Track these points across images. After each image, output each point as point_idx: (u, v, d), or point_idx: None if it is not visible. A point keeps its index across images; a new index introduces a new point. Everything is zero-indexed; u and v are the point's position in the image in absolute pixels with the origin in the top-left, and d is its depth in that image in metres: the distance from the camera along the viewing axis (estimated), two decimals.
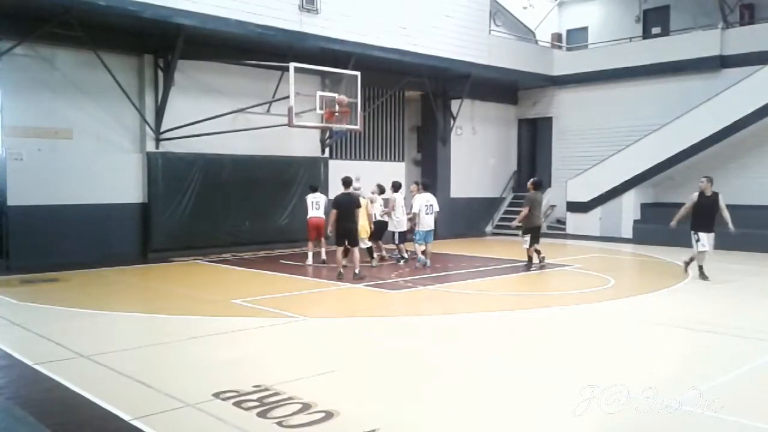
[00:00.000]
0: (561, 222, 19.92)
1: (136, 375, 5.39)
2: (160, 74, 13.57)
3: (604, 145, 19.24)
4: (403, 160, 18.90)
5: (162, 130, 13.58)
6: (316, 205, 12.77)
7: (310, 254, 12.83)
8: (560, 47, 22.24)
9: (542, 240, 12.81)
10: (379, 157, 18.21)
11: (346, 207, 10.87)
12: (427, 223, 12.36)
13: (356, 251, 11.02)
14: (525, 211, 12.15)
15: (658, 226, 17.04)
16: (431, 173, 19.43)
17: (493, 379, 5.47)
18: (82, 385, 5.04)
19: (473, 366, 5.86)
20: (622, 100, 19.42)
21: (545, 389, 5.15)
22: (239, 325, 7.50)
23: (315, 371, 5.54)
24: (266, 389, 4.88)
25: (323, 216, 12.65)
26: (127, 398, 4.80)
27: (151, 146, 13.58)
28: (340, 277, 10.72)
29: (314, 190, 13.15)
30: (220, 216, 14.34)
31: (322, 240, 12.84)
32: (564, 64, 20.74)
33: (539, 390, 5.14)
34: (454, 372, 5.67)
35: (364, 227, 11.95)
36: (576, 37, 22.63)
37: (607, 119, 19.70)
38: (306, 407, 4.48)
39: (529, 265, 12.22)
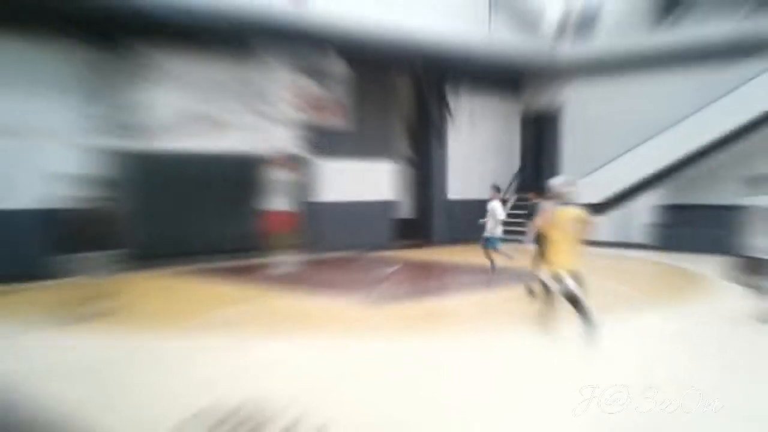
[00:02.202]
0: None
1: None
2: (122, 68, 11.96)
3: (620, 140, 17.50)
4: (393, 159, 17.30)
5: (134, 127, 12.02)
6: None
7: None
8: (569, 34, 20.43)
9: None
10: (368, 156, 16.57)
11: None
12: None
13: None
14: None
15: (679, 230, 15.61)
16: (425, 173, 18.03)
17: (494, 380, 5.42)
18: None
19: (474, 366, 5.78)
20: (639, 91, 17.67)
21: (545, 389, 5.11)
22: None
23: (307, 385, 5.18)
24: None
25: None
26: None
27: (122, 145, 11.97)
28: None
29: None
30: (191, 220, 12.77)
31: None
32: (574, 52, 18.99)
33: (539, 390, 5.10)
34: (452, 373, 5.54)
35: None
36: (587, 22, 20.78)
37: (625, 112, 17.88)
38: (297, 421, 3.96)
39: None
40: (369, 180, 15.99)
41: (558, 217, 6.63)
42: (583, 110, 18.95)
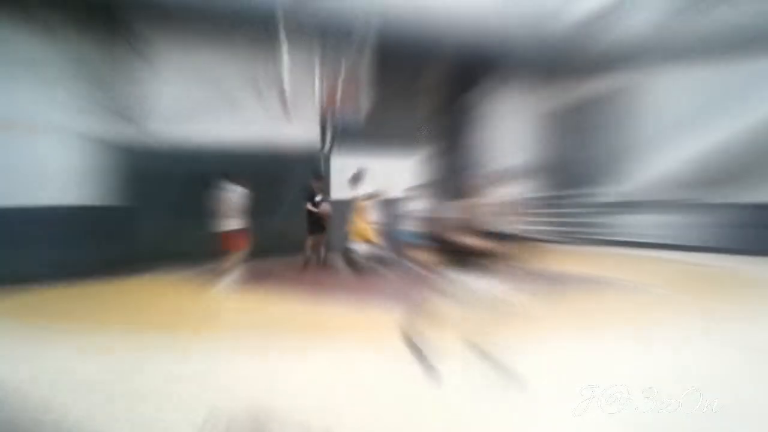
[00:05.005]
0: None
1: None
2: (134, 57, 11.70)
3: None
4: (417, 154, 16.83)
5: (136, 118, 11.70)
6: None
7: None
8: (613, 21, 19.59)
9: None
10: (389, 151, 16.16)
11: None
12: None
13: None
14: None
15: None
16: (451, 169, 17.61)
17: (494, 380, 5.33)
18: None
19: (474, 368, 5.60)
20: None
21: (545, 390, 5.15)
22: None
23: (311, 388, 5.37)
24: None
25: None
26: None
27: (122, 138, 11.69)
28: None
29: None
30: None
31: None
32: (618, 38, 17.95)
33: (539, 390, 5.12)
34: (455, 375, 5.49)
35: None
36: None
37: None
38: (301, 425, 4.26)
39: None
40: (392, 175, 15.62)
41: None
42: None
